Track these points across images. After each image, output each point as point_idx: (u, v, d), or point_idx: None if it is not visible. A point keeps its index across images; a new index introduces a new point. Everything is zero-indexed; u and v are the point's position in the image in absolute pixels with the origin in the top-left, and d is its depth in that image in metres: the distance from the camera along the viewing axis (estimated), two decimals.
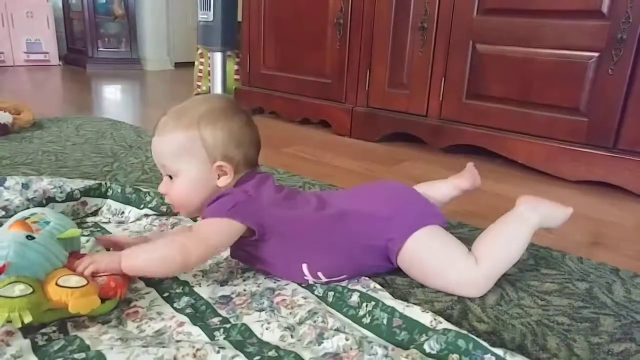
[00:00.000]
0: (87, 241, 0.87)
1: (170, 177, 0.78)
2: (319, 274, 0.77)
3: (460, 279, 0.77)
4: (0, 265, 0.60)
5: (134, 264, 0.69)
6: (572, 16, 1.42)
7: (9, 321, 0.56)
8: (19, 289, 0.58)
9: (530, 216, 0.81)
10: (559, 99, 1.47)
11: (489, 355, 0.58)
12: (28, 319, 0.57)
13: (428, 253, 0.78)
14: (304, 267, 0.76)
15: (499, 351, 0.58)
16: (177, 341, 0.61)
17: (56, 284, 0.61)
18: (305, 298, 0.74)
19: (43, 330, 0.62)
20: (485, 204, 1.19)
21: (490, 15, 1.58)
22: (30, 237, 0.65)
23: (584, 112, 1.43)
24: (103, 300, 0.65)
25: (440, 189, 0.95)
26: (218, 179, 0.77)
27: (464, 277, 0.77)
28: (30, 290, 0.59)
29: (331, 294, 0.75)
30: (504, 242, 0.80)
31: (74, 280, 0.62)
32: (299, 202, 0.80)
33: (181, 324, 0.65)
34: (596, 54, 1.38)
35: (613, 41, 1.34)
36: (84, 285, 0.62)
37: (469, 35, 1.63)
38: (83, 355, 0.53)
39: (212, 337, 0.63)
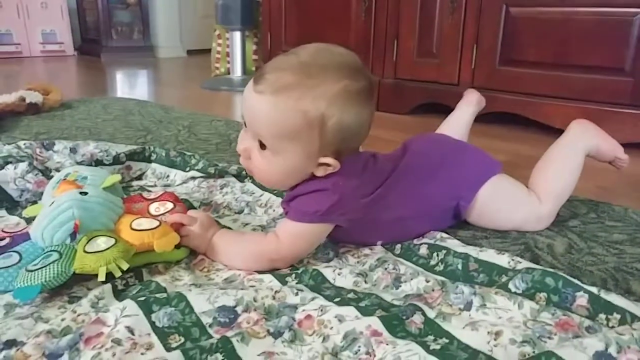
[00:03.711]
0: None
1: (262, 143, 0.63)
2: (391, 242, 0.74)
3: (527, 217, 0.80)
4: (73, 226, 0.59)
5: (221, 253, 0.66)
6: None
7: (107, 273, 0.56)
8: (102, 242, 0.58)
9: (580, 142, 0.85)
10: (600, 59, 1.42)
11: (581, 293, 0.56)
12: (125, 266, 0.56)
13: (496, 204, 0.79)
14: (379, 242, 0.74)
15: (593, 288, 0.55)
16: (252, 286, 0.59)
17: (132, 229, 0.60)
18: (371, 249, 0.72)
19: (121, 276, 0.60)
20: (525, 168, 1.15)
21: None
22: (83, 193, 0.64)
23: (628, 71, 1.38)
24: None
25: (460, 117, 1.01)
26: (317, 167, 0.64)
27: (530, 216, 0.80)
28: (113, 240, 0.58)
29: (398, 246, 0.72)
30: (562, 178, 0.82)
31: (147, 223, 0.61)
32: (388, 185, 0.71)
33: (251, 272, 0.63)
34: None
35: None
36: (159, 225, 0.61)
37: None
38: (164, 294, 0.51)
39: (284, 283, 0.61)
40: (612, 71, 1.41)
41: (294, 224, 0.65)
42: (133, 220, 0.62)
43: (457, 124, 1.01)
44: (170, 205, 0.69)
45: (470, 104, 1.02)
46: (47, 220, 0.59)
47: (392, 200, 0.71)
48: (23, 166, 0.82)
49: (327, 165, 0.64)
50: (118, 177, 0.72)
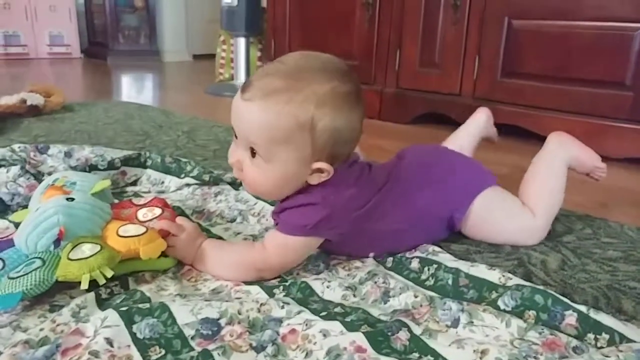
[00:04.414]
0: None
1: (253, 151, 0.62)
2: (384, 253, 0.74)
3: (521, 232, 0.80)
4: (57, 233, 0.58)
5: (208, 263, 0.65)
6: None
7: (92, 280, 0.55)
8: (87, 248, 0.57)
9: (559, 154, 0.85)
10: (601, 73, 1.42)
11: (570, 312, 0.55)
12: (110, 273, 0.55)
13: (490, 214, 0.78)
14: (371, 254, 0.73)
15: (582, 307, 0.55)
16: (237, 298, 0.58)
17: (118, 235, 0.59)
18: (362, 262, 0.71)
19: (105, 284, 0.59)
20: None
21: None
22: (70, 199, 0.64)
23: (629, 86, 1.37)
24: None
25: (468, 131, 1.01)
26: (311, 174, 0.64)
27: (524, 230, 0.80)
28: (99, 247, 0.57)
29: (390, 259, 0.72)
30: (551, 190, 0.83)
31: (133, 229, 0.60)
32: (380, 198, 0.70)
33: (238, 283, 0.63)
34: None
35: None
36: (145, 232, 0.60)
37: (504, 11, 1.58)
38: (147, 305, 0.51)
39: (271, 295, 0.60)
40: (613, 85, 1.40)
41: (283, 235, 0.64)
42: (120, 227, 0.62)
43: (464, 136, 1.00)
44: (158, 211, 0.68)
45: (481, 117, 1.01)
46: (32, 226, 0.58)
47: (385, 209, 0.70)
48: (15, 170, 0.82)
49: (321, 172, 0.63)
50: (107, 183, 0.71)
